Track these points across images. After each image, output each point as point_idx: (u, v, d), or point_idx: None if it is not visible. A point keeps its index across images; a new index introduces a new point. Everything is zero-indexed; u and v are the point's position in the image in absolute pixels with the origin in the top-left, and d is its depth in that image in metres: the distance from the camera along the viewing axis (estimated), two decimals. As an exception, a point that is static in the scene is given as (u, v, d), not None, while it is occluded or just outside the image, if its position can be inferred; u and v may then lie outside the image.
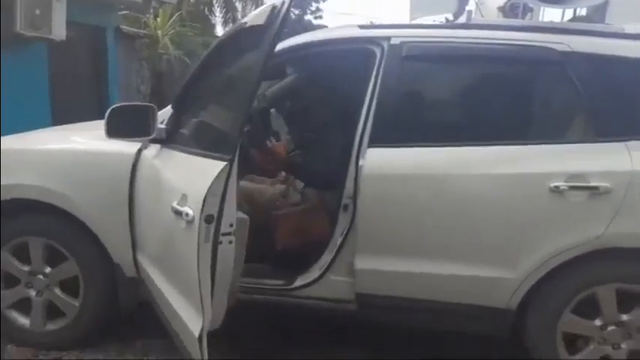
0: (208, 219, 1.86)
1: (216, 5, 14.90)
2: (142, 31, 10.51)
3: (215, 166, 1.88)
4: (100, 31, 8.15)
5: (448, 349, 2.74)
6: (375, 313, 2.56)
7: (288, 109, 3.72)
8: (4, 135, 2.88)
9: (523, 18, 2.89)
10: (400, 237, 2.44)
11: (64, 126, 3.46)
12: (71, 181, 2.59)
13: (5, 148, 2.65)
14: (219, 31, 14.79)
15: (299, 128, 3.48)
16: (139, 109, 2.57)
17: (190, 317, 2.00)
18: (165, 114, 2.58)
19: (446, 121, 2.63)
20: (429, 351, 2.74)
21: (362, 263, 2.47)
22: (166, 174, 2.32)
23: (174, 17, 11.41)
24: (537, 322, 2.39)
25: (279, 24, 1.91)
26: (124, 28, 9.47)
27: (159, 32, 10.90)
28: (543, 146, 2.40)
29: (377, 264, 2.45)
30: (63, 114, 6.25)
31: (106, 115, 2.47)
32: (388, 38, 2.55)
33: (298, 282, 2.60)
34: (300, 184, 3.01)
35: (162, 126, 2.51)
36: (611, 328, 2.34)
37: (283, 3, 1.93)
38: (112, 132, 2.47)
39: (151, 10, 11.47)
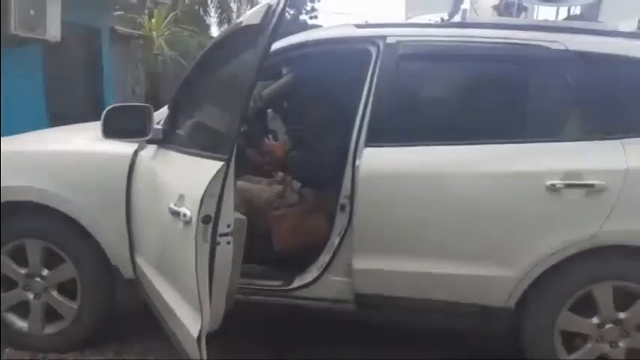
0: (206, 219, 1.85)
1: (211, 6, 14.86)
2: (136, 31, 10.49)
3: (212, 167, 1.88)
4: (95, 32, 8.11)
5: (447, 348, 2.74)
6: (374, 313, 2.57)
7: (285, 109, 3.72)
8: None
9: (517, 17, 2.90)
10: (398, 236, 2.44)
11: (60, 127, 3.45)
12: (67, 183, 2.58)
13: (1, 150, 2.63)
14: (215, 31, 14.79)
15: (296, 128, 3.47)
16: (136, 109, 2.55)
17: (189, 318, 1.99)
18: (161, 114, 2.58)
19: (442, 120, 2.63)
20: (428, 351, 2.74)
21: (360, 263, 2.47)
22: (163, 175, 2.32)
23: (169, 18, 11.40)
24: (535, 320, 2.40)
25: (275, 24, 1.90)
26: (119, 28, 9.44)
27: (154, 33, 10.89)
28: (539, 144, 2.40)
29: (375, 264, 2.45)
30: (58, 115, 6.22)
31: (103, 115, 2.45)
32: (384, 37, 2.55)
33: (296, 282, 2.60)
34: (297, 185, 3.00)
35: (159, 126, 2.50)
36: (608, 326, 2.35)
37: (278, 3, 1.93)
38: (109, 133, 2.46)
39: (146, 11, 11.43)
